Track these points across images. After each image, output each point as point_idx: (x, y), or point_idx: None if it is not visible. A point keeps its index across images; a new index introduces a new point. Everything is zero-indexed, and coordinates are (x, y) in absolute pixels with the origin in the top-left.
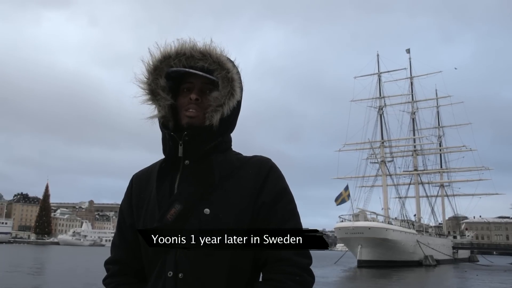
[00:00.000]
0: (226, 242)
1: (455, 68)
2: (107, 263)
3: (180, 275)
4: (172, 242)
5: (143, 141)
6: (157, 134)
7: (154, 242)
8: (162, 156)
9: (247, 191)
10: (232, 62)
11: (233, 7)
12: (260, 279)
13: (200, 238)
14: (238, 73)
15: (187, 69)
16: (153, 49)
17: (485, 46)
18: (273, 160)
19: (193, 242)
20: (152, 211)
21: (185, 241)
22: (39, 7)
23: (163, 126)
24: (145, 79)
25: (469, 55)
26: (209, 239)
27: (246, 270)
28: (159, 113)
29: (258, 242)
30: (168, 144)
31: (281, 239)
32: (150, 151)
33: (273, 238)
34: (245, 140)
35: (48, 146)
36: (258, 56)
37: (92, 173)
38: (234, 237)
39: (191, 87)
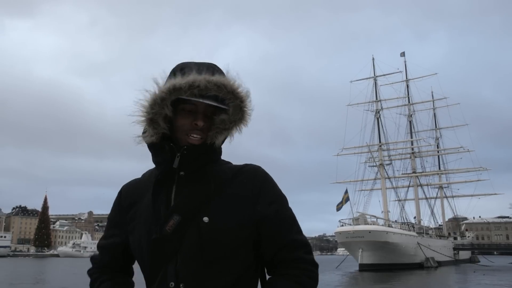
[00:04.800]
0: (228, 249)
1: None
2: (94, 259)
3: (181, 285)
4: (172, 252)
5: (130, 149)
6: (143, 143)
7: (153, 254)
8: (151, 165)
9: (244, 199)
10: (245, 90)
11: (200, 11)
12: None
13: (202, 246)
14: (250, 101)
15: (200, 100)
16: (160, 79)
17: (458, 45)
18: (265, 166)
19: (195, 251)
20: (148, 223)
21: (186, 251)
22: (1, 16)
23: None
24: (149, 107)
25: (442, 54)
26: (211, 247)
27: (246, 278)
28: (150, 139)
29: (270, 247)
30: (165, 155)
31: (294, 243)
32: (139, 160)
33: (286, 243)
34: (230, 145)
35: (34, 158)
36: (229, 60)
37: (84, 184)
38: (235, 244)
39: (194, 110)
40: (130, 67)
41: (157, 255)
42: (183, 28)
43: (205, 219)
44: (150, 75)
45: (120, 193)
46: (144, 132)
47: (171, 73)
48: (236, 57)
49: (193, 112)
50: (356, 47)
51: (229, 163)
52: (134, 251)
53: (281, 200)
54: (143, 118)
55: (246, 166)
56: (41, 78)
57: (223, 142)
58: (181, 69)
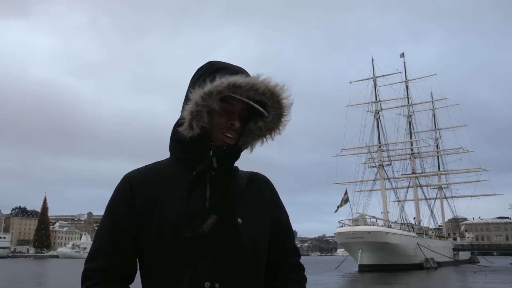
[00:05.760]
0: (262, 250)
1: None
2: (95, 270)
3: (217, 285)
4: (205, 251)
5: (127, 150)
6: (139, 142)
7: (183, 252)
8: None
9: (264, 205)
10: (290, 102)
11: (192, 12)
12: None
13: (240, 246)
14: (290, 113)
15: (252, 103)
16: (231, 77)
17: (453, 45)
18: (262, 166)
19: (232, 251)
20: (177, 220)
21: (221, 251)
22: None
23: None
24: (200, 100)
25: (437, 55)
26: (249, 248)
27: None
28: (194, 131)
29: (278, 251)
30: (206, 153)
31: (295, 250)
32: (137, 160)
33: (290, 249)
34: None
35: (31, 159)
36: (224, 60)
37: (83, 184)
38: (266, 245)
39: (231, 110)
40: (125, 67)
41: (188, 254)
42: (176, 29)
43: (239, 220)
44: (145, 76)
45: (129, 182)
46: (179, 125)
47: (216, 70)
48: (231, 57)
49: (229, 112)
50: (351, 48)
51: (237, 168)
52: (150, 248)
53: (286, 210)
54: (193, 109)
55: (258, 174)
56: (37, 79)
57: None
58: (234, 70)
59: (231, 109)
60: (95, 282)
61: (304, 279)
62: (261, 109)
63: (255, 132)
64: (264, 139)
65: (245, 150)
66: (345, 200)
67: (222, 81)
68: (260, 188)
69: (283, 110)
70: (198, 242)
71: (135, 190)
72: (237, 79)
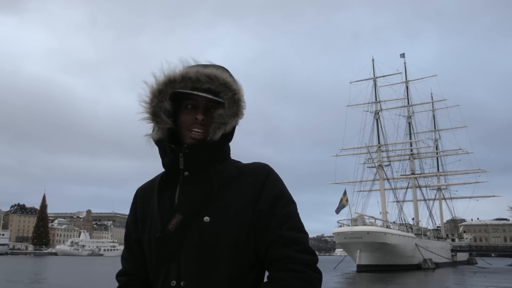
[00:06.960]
0: (227, 248)
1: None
2: (118, 275)
3: (182, 283)
4: (174, 251)
5: (125, 148)
6: (138, 141)
7: (158, 252)
8: (147, 164)
9: (246, 198)
10: (237, 82)
11: (185, 10)
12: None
13: (202, 245)
14: (243, 94)
15: (194, 92)
16: (159, 72)
17: (449, 46)
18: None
19: (195, 250)
20: (155, 223)
21: (187, 250)
22: None
23: (159, 140)
24: (149, 101)
25: (433, 55)
26: (211, 246)
27: (249, 274)
28: (156, 135)
29: (260, 245)
30: (169, 156)
31: (282, 239)
32: (134, 159)
33: (273, 239)
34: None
35: (28, 156)
36: (219, 59)
37: (80, 182)
38: (235, 243)
39: (196, 105)
40: (119, 65)
41: (160, 254)
42: (170, 28)
43: (206, 218)
44: (140, 74)
45: (136, 194)
46: (153, 131)
47: None
48: (225, 56)
49: (194, 107)
50: (346, 47)
51: (238, 162)
52: (145, 250)
53: (280, 196)
54: (146, 114)
55: (252, 165)
56: (32, 75)
57: (232, 136)
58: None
59: (195, 104)
60: (119, 286)
61: (292, 274)
62: (207, 95)
63: (217, 120)
64: (230, 126)
65: (214, 143)
66: (346, 201)
67: (158, 82)
68: (246, 181)
69: (234, 93)
70: (165, 242)
71: (138, 200)
72: (170, 74)
